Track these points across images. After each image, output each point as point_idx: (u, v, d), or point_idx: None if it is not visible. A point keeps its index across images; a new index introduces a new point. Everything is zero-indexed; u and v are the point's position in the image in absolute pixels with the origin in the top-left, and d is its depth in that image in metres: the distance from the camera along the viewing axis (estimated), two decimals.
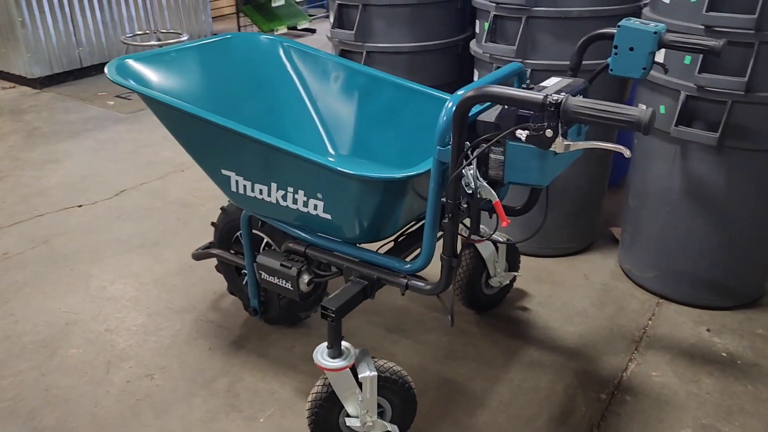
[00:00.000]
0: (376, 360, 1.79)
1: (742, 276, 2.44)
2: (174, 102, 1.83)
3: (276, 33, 6.69)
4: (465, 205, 1.49)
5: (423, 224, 2.00)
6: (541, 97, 1.22)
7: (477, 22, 2.64)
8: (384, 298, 2.55)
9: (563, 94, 1.20)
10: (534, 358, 2.26)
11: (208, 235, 3.05)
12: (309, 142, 2.30)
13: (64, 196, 3.51)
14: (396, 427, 1.81)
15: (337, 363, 1.72)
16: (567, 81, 1.56)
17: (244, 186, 1.89)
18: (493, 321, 2.45)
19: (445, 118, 1.47)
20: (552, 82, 1.57)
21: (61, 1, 5.35)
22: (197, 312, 2.53)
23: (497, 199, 1.48)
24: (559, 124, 1.23)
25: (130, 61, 2.02)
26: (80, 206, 3.40)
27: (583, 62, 1.86)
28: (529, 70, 2.42)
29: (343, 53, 2.95)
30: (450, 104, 1.47)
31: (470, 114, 1.46)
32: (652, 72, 2.23)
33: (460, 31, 3.00)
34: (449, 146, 1.48)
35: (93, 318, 2.50)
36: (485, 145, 1.42)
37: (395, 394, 1.81)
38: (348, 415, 1.78)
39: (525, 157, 1.47)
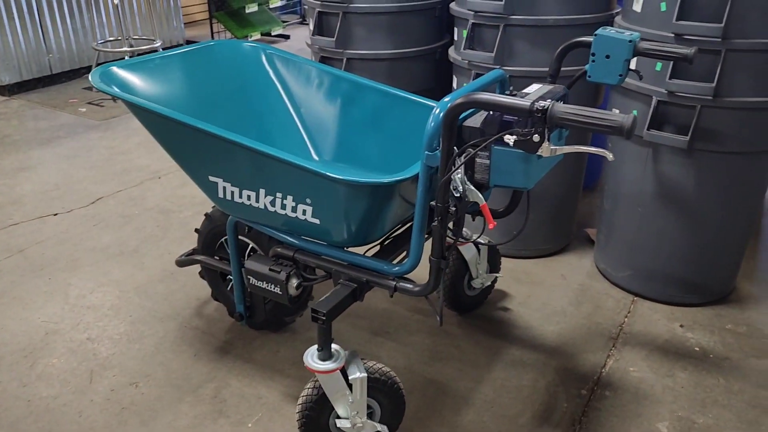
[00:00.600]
0: (365, 361, 1.82)
1: (711, 274, 2.53)
2: (162, 110, 1.84)
3: (250, 39, 6.68)
4: (453, 208, 1.54)
5: (408, 228, 2.05)
6: (529, 103, 1.27)
7: (455, 29, 2.70)
8: (367, 302, 2.58)
9: (549, 100, 1.25)
10: (516, 357, 2.32)
11: (188, 242, 3.07)
12: (293, 148, 2.33)
13: (39, 204, 3.47)
14: (385, 427, 1.84)
15: (328, 365, 1.75)
16: (548, 87, 1.61)
17: (232, 192, 1.91)
18: (475, 322, 2.50)
19: (433, 124, 1.51)
20: (533, 88, 1.62)
21: (30, 7, 5.27)
22: (181, 319, 2.52)
23: (484, 202, 1.53)
24: (546, 130, 1.28)
25: (115, 69, 2.02)
26: (56, 214, 3.36)
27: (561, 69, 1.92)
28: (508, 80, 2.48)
29: (323, 60, 2.99)
30: (437, 110, 1.51)
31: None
32: (628, 79, 2.32)
33: (437, 38, 3.06)
34: (437, 151, 1.53)
35: (73, 327, 2.48)
36: (473, 150, 1.46)
37: (384, 395, 1.84)
38: (338, 417, 1.80)
39: (510, 161, 1.52)
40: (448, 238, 1.63)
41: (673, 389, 2.16)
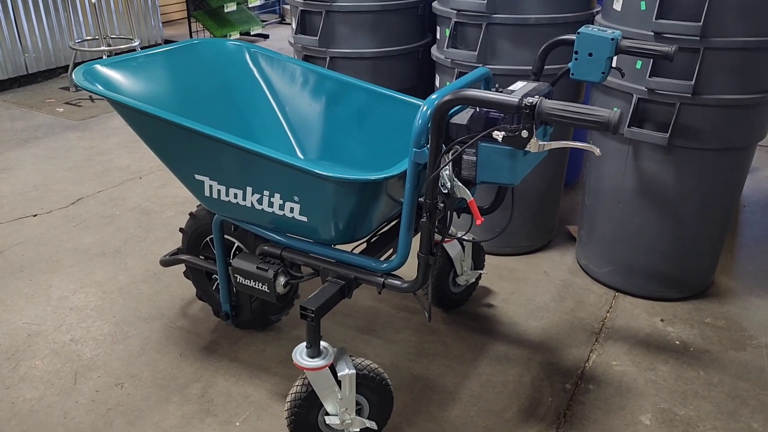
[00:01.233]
0: (353, 358, 1.83)
1: (690, 268, 2.58)
2: (149, 108, 1.83)
3: (230, 38, 6.64)
4: (441, 205, 1.55)
5: (394, 225, 2.07)
6: (517, 99, 1.29)
7: (438, 28, 2.72)
8: (353, 300, 2.59)
9: (537, 97, 1.28)
10: (501, 352, 2.34)
11: (171, 242, 3.05)
12: (278, 147, 2.32)
13: (17, 205, 3.42)
14: (374, 423, 1.85)
15: (317, 362, 1.75)
16: (533, 85, 1.64)
17: (219, 190, 1.91)
18: (460, 318, 2.52)
19: (420, 121, 1.52)
20: (519, 86, 1.64)
21: (5, 6, 5.18)
22: (166, 319, 2.51)
23: (472, 198, 1.55)
24: (534, 126, 1.30)
25: (98, 66, 2.00)
26: (35, 215, 3.31)
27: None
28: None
29: (306, 59, 2.99)
30: (425, 108, 1.52)
31: None
32: (609, 77, 2.35)
33: (419, 37, 3.08)
34: (424, 148, 1.54)
35: (56, 329, 2.45)
36: (461, 147, 1.48)
37: (372, 391, 1.85)
38: (327, 414, 1.81)
39: (497, 157, 1.54)
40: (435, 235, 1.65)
41: (655, 382, 2.20)
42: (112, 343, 2.38)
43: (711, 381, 2.21)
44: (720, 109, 2.21)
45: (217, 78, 2.32)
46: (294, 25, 3.00)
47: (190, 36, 6.95)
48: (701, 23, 2.07)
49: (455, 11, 2.53)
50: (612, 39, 1.72)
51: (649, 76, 2.21)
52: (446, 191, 1.55)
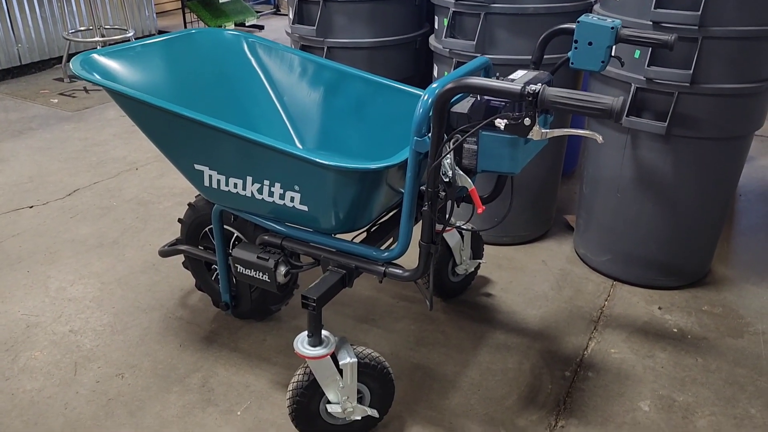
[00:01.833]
0: (354, 347, 1.83)
1: (688, 257, 2.59)
2: (148, 98, 1.82)
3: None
4: (443, 193, 1.56)
5: (393, 215, 2.07)
6: (520, 87, 1.29)
7: (436, 18, 2.71)
8: (352, 290, 2.60)
9: (540, 84, 1.28)
10: (500, 340, 2.35)
11: (169, 233, 3.05)
12: (276, 137, 2.32)
13: (13, 196, 3.40)
14: (375, 411, 1.86)
15: (318, 351, 1.76)
16: (533, 73, 1.64)
17: (218, 180, 1.90)
18: (459, 307, 2.53)
19: (421, 110, 1.52)
20: (519, 74, 1.64)
21: None
22: (165, 310, 2.51)
23: (473, 187, 1.55)
24: (537, 114, 1.30)
25: (96, 56, 1.99)
26: (31, 207, 3.30)
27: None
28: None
29: (304, 49, 2.98)
30: (426, 97, 1.52)
31: None
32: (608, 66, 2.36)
33: (417, 27, 3.07)
34: (426, 137, 1.54)
35: (55, 320, 2.45)
36: (463, 135, 1.48)
37: (374, 380, 1.86)
38: (329, 402, 1.82)
39: (497, 146, 1.54)
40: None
41: (653, 369, 2.22)
42: (112, 333, 2.38)
43: (709, 367, 2.23)
44: (718, 98, 2.22)
45: (215, 68, 2.31)
46: (291, 15, 2.99)
47: (185, 27, 6.91)
48: (699, 12, 2.07)
49: (453, 0, 2.52)
50: (612, 28, 1.72)
51: (648, 66, 2.22)
52: (447, 180, 1.56)
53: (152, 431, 1.96)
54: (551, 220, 3.08)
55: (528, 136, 1.37)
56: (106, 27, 5.77)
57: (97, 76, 1.93)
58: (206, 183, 1.94)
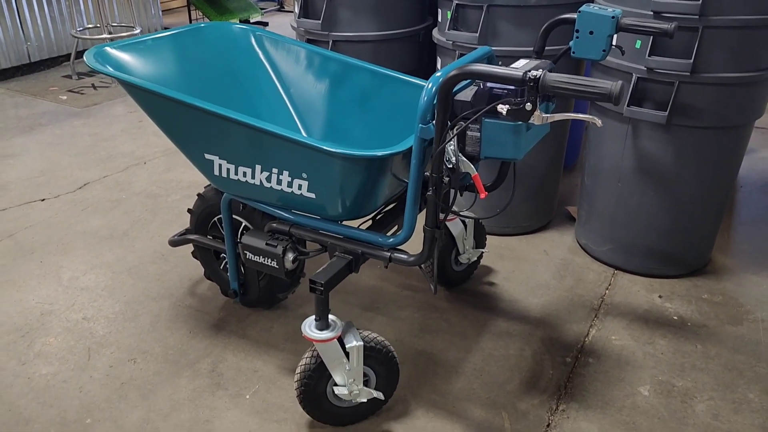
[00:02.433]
0: (360, 331, 1.88)
1: (688, 246, 2.63)
2: (160, 89, 1.87)
3: None
4: (447, 179, 1.60)
5: (398, 204, 2.12)
6: (521, 72, 1.33)
7: (439, 11, 2.76)
8: (357, 280, 2.65)
9: (541, 70, 1.32)
10: (502, 328, 2.40)
11: (177, 225, 3.10)
12: (283, 127, 2.36)
13: (25, 190, 3.46)
14: (380, 393, 1.91)
15: (326, 334, 1.80)
16: (535, 62, 1.68)
17: (228, 169, 1.95)
18: (462, 296, 2.58)
19: (426, 98, 1.57)
20: (521, 63, 1.69)
21: None
22: (174, 298, 2.56)
23: (476, 173, 1.60)
24: (538, 99, 1.35)
25: (108, 49, 2.04)
26: (43, 200, 3.36)
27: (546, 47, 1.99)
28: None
29: (309, 43, 3.02)
30: (430, 85, 1.57)
31: None
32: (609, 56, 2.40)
33: (420, 20, 3.11)
34: (430, 124, 1.59)
35: (68, 308, 2.51)
36: (465, 122, 1.52)
37: (379, 363, 1.91)
38: (336, 384, 1.87)
39: (500, 132, 1.59)
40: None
41: (653, 355, 2.26)
42: (124, 321, 2.43)
43: (708, 354, 2.27)
44: (718, 87, 2.25)
45: (223, 61, 2.36)
46: (297, 10, 3.04)
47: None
48: (700, 2, 2.11)
49: None
50: (613, 17, 1.76)
51: (649, 56, 2.25)
52: (451, 166, 1.60)
53: (164, 413, 2.02)
54: (553, 212, 3.12)
55: (530, 121, 1.42)
56: (113, 24, 5.83)
57: (111, 69, 1.98)
58: (216, 172, 1.99)
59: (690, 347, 2.30)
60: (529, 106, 1.38)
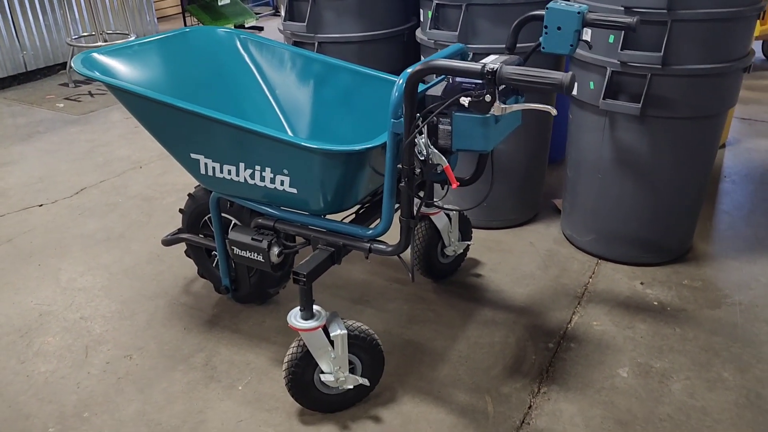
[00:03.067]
0: (345, 321, 1.95)
1: (669, 234, 2.70)
2: (145, 92, 1.94)
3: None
4: (419, 170, 1.67)
5: (380, 198, 2.19)
6: (480, 66, 1.41)
7: (421, 11, 2.83)
8: (347, 274, 2.72)
9: (498, 63, 1.39)
10: (488, 317, 2.47)
11: (172, 226, 3.18)
12: (269, 127, 2.44)
13: (24, 196, 3.54)
14: (366, 380, 1.98)
15: (310, 323, 1.88)
16: (504, 57, 1.75)
17: (213, 168, 2.03)
18: (449, 287, 2.65)
19: (396, 94, 1.64)
20: (491, 59, 1.76)
21: (2, 5, 5.30)
22: (169, 297, 2.64)
23: (447, 164, 1.67)
24: (496, 90, 1.42)
25: (96, 54, 2.12)
26: (41, 205, 3.44)
27: (518, 45, 2.06)
28: (471, 54, 2.62)
29: (296, 45, 3.10)
30: (400, 81, 1.64)
31: (420, 90, 1.64)
32: (582, 51, 2.47)
33: (404, 20, 3.19)
34: (401, 119, 1.66)
35: (66, 308, 2.58)
36: (431, 115, 1.60)
37: (364, 351, 1.98)
38: (322, 372, 1.94)
39: (470, 125, 1.66)
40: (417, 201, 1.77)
41: (633, 339, 2.33)
42: (120, 319, 2.51)
43: (686, 336, 2.33)
44: (689, 78, 2.32)
45: (210, 64, 2.44)
46: (283, 13, 3.11)
47: None
48: None
49: None
50: (579, 12, 1.83)
51: (621, 50, 2.32)
52: (423, 158, 1.67)
53: (159, 405, 2.09)
54: (539, 205, 3.19)
55: (490, 112, 1.49)
56: (108, 32, 5.92)
57: (98, 74, 2.06)
58: (202, 171, 2.07)
59: (669, 330, 2.37)
60: (488, 97, 1.45)
